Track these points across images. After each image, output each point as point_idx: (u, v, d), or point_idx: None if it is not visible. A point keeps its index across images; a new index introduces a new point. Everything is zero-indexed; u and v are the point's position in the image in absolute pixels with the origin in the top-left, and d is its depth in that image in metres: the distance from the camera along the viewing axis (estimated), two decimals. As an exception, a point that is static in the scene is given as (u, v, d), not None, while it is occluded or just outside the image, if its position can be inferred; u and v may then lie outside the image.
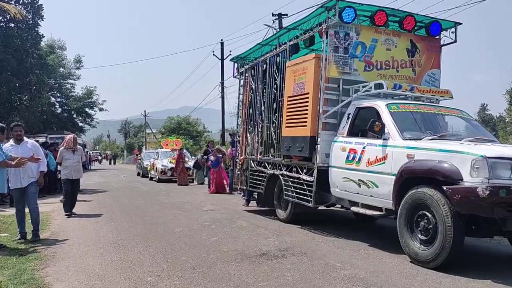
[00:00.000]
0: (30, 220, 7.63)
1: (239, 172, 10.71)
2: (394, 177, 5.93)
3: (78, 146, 10.41)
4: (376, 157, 6.34)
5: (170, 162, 21.90)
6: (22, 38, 25.26)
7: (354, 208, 6.95)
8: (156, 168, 22.48)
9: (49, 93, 37.09)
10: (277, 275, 5.11)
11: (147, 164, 25.75)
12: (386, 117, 6.50)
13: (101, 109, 44.03)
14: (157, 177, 22.22)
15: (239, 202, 12.37)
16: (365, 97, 7.45)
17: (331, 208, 9.36)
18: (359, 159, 6.68)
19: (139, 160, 29.87)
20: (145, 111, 67.30)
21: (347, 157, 6.95)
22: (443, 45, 8.40)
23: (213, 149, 16.90)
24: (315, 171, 7.51)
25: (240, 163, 10.64)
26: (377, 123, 6.29)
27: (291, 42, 8.77)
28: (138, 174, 28.85)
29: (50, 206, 11.73)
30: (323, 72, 7.49)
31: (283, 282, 4.84)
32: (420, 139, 6.10)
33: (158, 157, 23.52)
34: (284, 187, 8.51)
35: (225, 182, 15.78)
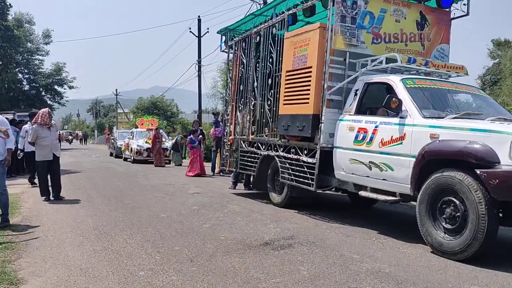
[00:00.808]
0: (-3, 204, 6.78)
1: (227, 153, 9.99)
2: (414, 159, 5.35)
3: (53, 122, 9.20)
4: (392, 137, 5.74)
5: (146, 142, 20.97)
6: (-14, 7, 23.60)
7: (363, 193, 6.37)
8: (131, 149, 21.52)
9: (16, 69, 35.29)
10: (289, 269, 4.48)
11: (121, 144, 24.73)
12: (403, 93, 5.89)
13: (70, 87, 42.36)
14: (132, 158, 21.30)
15: (224, 185, 11.69)
16: (372, 72, 6.83)
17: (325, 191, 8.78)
18: (371, 139, 6.07)
19: (112, 140, 28.75)
20: (116, 90, 65.40)
21: (356, 137, 6.33)
22: (453, 18, 7.83)
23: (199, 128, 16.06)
24: (318, 152, 6.88)
25: (229, 143, 9.92)
26: (394, 99, 5.67)
27: (290, 11, 8.03)
28: (111, 154, 27.79)
29: (20, 188, 10.79)
30: (328, 43, 6.81)
31: (299, 278, 4.21)
32: (442, 118, 5.53)
33: (133, 137, 22.53)
34: (280, 169, 7.86)
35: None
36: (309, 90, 7.07)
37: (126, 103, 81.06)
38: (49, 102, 40.88)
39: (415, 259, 4.89)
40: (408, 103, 5.75)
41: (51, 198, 9.03)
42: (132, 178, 13.66)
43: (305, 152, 7.21)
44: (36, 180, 10.19)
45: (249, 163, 9.09)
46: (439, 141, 5.12)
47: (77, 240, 5.78)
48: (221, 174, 14.60)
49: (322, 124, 6.83)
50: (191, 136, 15.31)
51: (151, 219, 7.08)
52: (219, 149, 14.78)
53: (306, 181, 7.15)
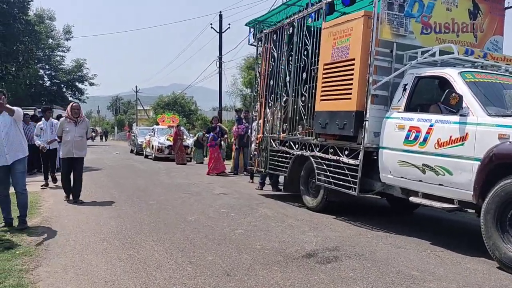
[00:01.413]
0: (16, 204, 6.34)
1: (255, 153, 9.43)
2: (478, 163, 4.72)
3: (83, 117, 8.55)
4: (451, 137, 5.11)
5: (167, 139, 20.57)
6: (8, 1, 23.35)
7: (414, 199, 5.74)
8: (152, 146, 21.13)
9: (38, 65, 35.25)
10: (343, 288, 3.91)
11: (141, 141, 24.40)
12: (463, 88, 5.25)
13: (91, 84, 42.19)
14: (153, 155, 20.90)
15: (250, 185, 11.16)
16: (421, 66, 6.21)
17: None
18: (424, 140, 5.44)
19: (133, 137, 28.45)
20: (136, 86, 65.41)
21: (407, 136, 5.71)
22: (508, 7, 7.15)
23: (218, 124, 15.50)
24: (361, 153, 6.27)
25: (257, 142, 9.36)
26: (453, 94, 5.04)
27: (327, 0, 7.42)
28: (132, 151, 27.49)
29: (39, 185, 10.40)
30: (374, 33, 6.20)
31: (356, 300, 3.64)
32: (510, 116, 4.88)
33: (154, 134, 22.14)
34: (316, 171, 7.27)
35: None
36: (351, 84, 6.47)
37: (145, 100, 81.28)
38: (70, 98, 40.80)
39: (483, 278, 4.27)
40: (469, 99, 5.11)
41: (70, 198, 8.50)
42: (155, 176, 13.21)
43: (346, 152, 6.61)
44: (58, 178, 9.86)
45: (280, 163, 8.52)
46: (510, 142, 4.48)
47: (100, 247, 5.30)
48: (245, 173, 14.12)
49: (367, 122, 6.21)
50: (212, 133, 14.67)
51: (178, 223, 6.58)
52: (242, 147, 14.32)
53: (346, 184, 6.55)
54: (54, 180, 10.68)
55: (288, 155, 8.21)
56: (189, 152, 19.99)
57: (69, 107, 8.57)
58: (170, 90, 56.97)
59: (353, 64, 6.47)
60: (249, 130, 13.85)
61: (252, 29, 10.34)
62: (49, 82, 39.59)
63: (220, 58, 30.50)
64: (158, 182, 11.66)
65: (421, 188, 5.58)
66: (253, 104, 9.95)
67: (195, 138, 20.21)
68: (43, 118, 10.43)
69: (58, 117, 11.08)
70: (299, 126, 7.91)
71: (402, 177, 5.80)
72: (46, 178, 10.48)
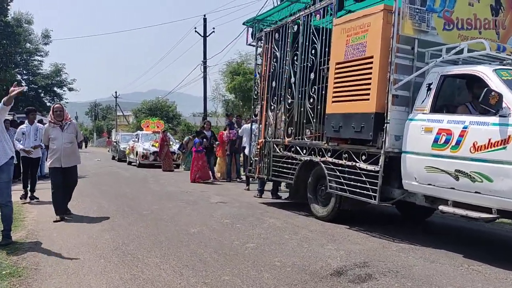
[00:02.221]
0: (-1, 217, 5.65)
1: (256, 158, 8.86)
2: (524, 168, 4.26)
3: (69, 119, 7.25)
4: (490, 140, 4.65)
5: (153, 145, 19.85)
6: (-15, 2, 22.37)
7: (445, 208, 5.25)
8: (137, 152, 20.36)
9: (15, 70, 34.04)
10: (391, 314, 3.37)
11: (124, 147, 23.59)
12: (501, 87, 4.81)
13: (70, 89, 40.99)
14: (137, 162, 20.12)
15: (246, 193, 10.61)
16: (443, 64, 5.78)
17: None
18: (457, 143, 4.97)
19: (114, 143, 27.56)
20: (116, 92, 64.28)
21: (435, 140, 5.23)
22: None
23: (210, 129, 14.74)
24: (382, 158, 5.78)
25: (258, 147, 8.80)
26: (493, 93, 4.59)
27: (338, -5, 6.94)
28: (113, 158, 26.60)
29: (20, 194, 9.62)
30: (394, 28, 5.73)
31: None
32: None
33: (138, 139, 21.37)
34: (327, 177, 6.75)
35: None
36: (369, 84, 5.98)
37: (124, 106, 79.97)
38: (48, 104, 39.59)
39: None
40: (510, 98, 4.67)
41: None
42: (143, 184, 12.52)
43: (363, 157, 6.10)
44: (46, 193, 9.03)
45: (284, 170, 7.97)
46: None
47: (98, 265, 4.66)
48: (237, 180, 13.54)
49: (388, 124, 5.73)
50: (198, 138, 13.69)
51: (181, 236, 5.97)
52: (233, 153, 13.73)
53: (364, 192, 6.05)
54: (32, 196, 9.06)
55: (294, 161, 7.68)
56: (175, 159, 19.31)
57: (51, 111, 7.27)
58: (149, 96, 56.03)
59: (371, 63, 5.99)
60: (240, 136, 13.38)
61: (250, 29, 9.78)
62: (26, 87, 38.32)
63: (204, 63, 29.96)
64: (147, 190, 10.99)
65: (453, 196, 5.10)
66: (252, 107, 9.39)
67: (180, 143, 19.57)
68: (26, 122, 9.06)
69: (19, 123, 10.32)
70: (307, 130, 7.39)
71: (429, 184, 5.32)
72: (25, 187, 9.14)
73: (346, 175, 6.43)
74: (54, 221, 6.86)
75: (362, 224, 6.72)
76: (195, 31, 30.18)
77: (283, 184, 9.50)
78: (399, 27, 5.74)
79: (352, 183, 6.28)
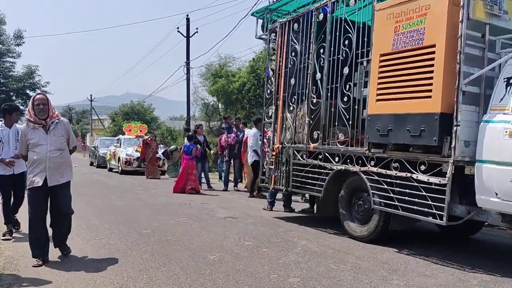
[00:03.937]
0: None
1: (271, 167, 7.71)
2: None
3: (57, 116, 5.06)
4: None
5: (136, 151, 18.48)
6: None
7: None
8: (119, 158, 18.98)
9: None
10: None
11: (104, 152, 22.16)
12: None
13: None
14: (119, 168, 18.77)
15: (251, 204, 9.54)
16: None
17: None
18: (563, 151, 3.96)
19: (93, 148, 25.99)
20: (91, 95, 62.17)
21: (528, 146, 4.21)
22: None
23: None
24: (450, 168, 4.72)
25: (274, 153, 7.66)
26: None
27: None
28: (91, 164, 25.05)
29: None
30: (464, 11, 4.70)
31: None
32: None
33: (120, 144, 19.96)
34: (370, 191, 5.67)
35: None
36: (431, 78, 4.92)
37: (98, 109, 77.77)
38: (20, 107, 37.52)
39: None
40: None
41: (54, 247, 5.16)
42: (132, 194, 11.21)
43: (422, 167, 5.03)
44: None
45: (309, 181, 6.86)
46: None
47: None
48: (235, 189, 12.38)
49: (457, 127, 4.68)
50: (189, 143, 12.30)
51: (199, 265, 4.80)
52: (232, 159, 12.57)
53: (424, 210, 4.98)
54: (16, 224, 6.60)
55: (323, 170, 6.57)
56: (161, 165, 17.99)
57: (30, 104, 4.94)
58: (124, 100, 54.26)
59: (433, 52, 4.93)
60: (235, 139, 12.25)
61: (259, 20, 8.65)
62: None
63: (187, 64, 28.78)
64: (140, 202, 9.72)
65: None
66: (264, 108, 8.24)
67: (168, 150, 18.27)
68: (1, 124, 6.37)
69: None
70: (340, 134, 6.29)
71: (518, 201, 4.29)
72: (8, 222, 6.34)
73: (396, 189, 5.36)
74: (34, 266, 4.73)
75: (410, 245, 5.68)
76: (178, 31, 29.05)
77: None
78: (470, 9, 4.71)
79: (406, 198, 5.21)
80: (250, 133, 10.25)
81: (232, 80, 26.13)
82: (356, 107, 6.02)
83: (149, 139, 17.86)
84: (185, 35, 28.79)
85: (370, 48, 5.83)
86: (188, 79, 28.65)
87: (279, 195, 8.95)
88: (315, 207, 8.52)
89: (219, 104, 31.93)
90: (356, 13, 6.20)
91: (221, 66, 29.33)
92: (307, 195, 8.64)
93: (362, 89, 5.95)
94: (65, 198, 5.04)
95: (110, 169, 20.31)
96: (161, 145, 21.25)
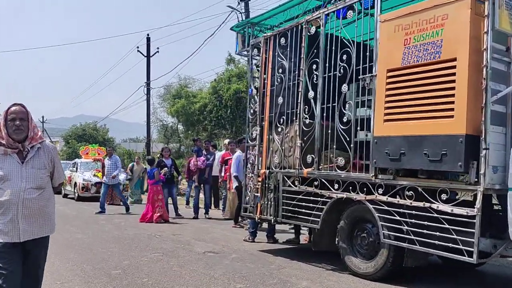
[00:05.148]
0: None
1: (257, 194, 6.96)
2: None
3: (39, 139, 3.42)
4: None
5: (95, 175, 17.25)
6: None
7: None
8: (75, 183, 17.66)
9: None
10: None
11: (58, 177, 20.62)
12: None
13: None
14: (76, 194, 17.46)
15: (228, 234, 8.80)
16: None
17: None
18: None
19: (45, 173, 24.30)
20: (43, 117, 59.65)
21: None
22: None
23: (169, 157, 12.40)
24: (480, 197, 4.15)
25: (259, 179, 6.93)
26: None
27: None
28: (44, 189, 23.37)
29: None
30: (489, 21, 4.22)
31: None
32: None
33: (76, 169, 18.64)
34: (379, 222, 5.02)
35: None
36: (452, 96, 4.39)
37: (50, 132, 74.76)
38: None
39: None
40: None
41: None
42: (94, 225, 10.12)
43: (443, 196, 4.44)
44: None
45: (302, 210, 6.16)
46: None
47: None
48: (206, 216, 11.51)
49: (487, 151, 4.14)
50: (153, 167, 11.41)
51: (191, 320, 3.95)
52: (202, 184, 11.74)
53: (449, 245, 4.37)
54: None
55: (319, 199, 5.89)
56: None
57: (3, 119, 3.35)
58: (76, 122, 52.31)
59: (453, 67, 4.41)
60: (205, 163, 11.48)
61: (239, 35, 8.01)
62: None
63: (148, 84, 27.87)
64: (104, 235, 8.70)
65: None
66: (248, 129, 7.53)
67: (128, 170, 17.23)
68: None
69: None
70: (339, 158, 5.65)
71: None
72: None
73: (410, 220, 4.75)
74: None
75: (421, 283, 5.05)
76: (138, 50, 28.23)
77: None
78: (496, 19, 4.23)
79: (423, 231, 4.59)
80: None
81: (193, 101, 25.48)
82: (358, 128, 5.41)
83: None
84: (145, 54, 28.01)
85: (374, 63, 5.27)
86: (148, 100, 27.78)
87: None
88: (300, 237, 7.89)
89: (179, 126, 31.11)
90: (356, 25, 5.65)
91: (182, 87, 28.69)
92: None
93: (360, 108, 5.36)
94: (40, 262, 3.44)
95: (65, 195, 18.90)
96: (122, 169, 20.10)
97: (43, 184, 3.37)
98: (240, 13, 16.02)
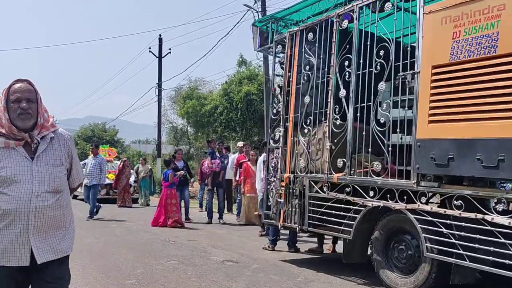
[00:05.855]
0: None
1: (280, 200, 6.51)
2: None
3: (52, 127, 2.60)
4: None
5: (106, 176, 16.88)
6: None
7: None
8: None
9: None
10: None
11: (67, 178, 20.31)
12: None
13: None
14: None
15: (245, 240, 8.39)
16: None
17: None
18: None
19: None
20: (53, 117, 59.57)
21: None
22: None
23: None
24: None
25: (283, 184, 6.48)
26: None
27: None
28: (53, 190, 23.09)
29: None
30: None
31: None
32: None
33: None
34: (422, 234, 4.55)
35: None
36: (510, 95, 3.91)
37: (61, 132, 74.75)
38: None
39: None
40: None
41: None
42: (105, 229, 9.74)
43: (499, 207, 3.96)
44: None
45: (332, 219, 5.69)
46: None
47: None
48: (221, 222, 11.05)
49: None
50: (169, 169, 10.92)
51: None
52: (216, 188, 11.29)
53: (506, 262, 3.89)
54: None
55: (351, 207, 5.43)
56: (132, 192, 16.53)
57: (3, 96, 2.47)
58: (86, 122, 52.27)
59: (511, 63, 3.93)
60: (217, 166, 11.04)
61: (260, 31, 7.58)
62: None
63: (159, 85, 27.63)
64: (116, 239, 8.30)
65: None
66: (269, 130, 7.08)
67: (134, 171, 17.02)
68: None
69: None
70: (376, 163, 5.18)
71: None
72: None
73: (458, 232, 4.27)
74: None
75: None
76: (150, 51, 28.04)
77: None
78: None
79: (475, 245, 4.11)
80: (259, 160, 8.79)
81: (203, 102, 25.18)
82: (398, 130, 4.95)
83: (125, 160, 16.62)
84: (157, 55, 27.78)
85: (416, 59, 4.81)
86: (159, 101, 27.54)
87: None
88: (324, 246, 7.42)
89: (188, 127, 30.76)
90: (395, 18, 5.19)
91: (192, 89, 28.41)
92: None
93: (392, 109, 4.91)
94: (63, 285, 2.67)
95: (75, 197, 18.53)
96: (132, 170, 19.80)
97: (60, 186, 2.54)
98: (257, 12, 15.61)
